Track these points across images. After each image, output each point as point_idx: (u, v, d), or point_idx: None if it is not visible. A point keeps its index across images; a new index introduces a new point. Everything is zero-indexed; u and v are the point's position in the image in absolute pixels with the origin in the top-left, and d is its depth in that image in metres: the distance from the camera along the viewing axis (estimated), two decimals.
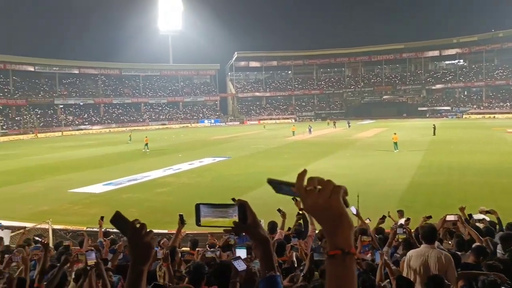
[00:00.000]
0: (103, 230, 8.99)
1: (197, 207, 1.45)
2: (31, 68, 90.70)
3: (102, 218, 8.63)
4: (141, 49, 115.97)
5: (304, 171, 1.21)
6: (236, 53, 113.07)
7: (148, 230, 1.48)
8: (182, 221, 5.92)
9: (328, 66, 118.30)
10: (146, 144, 39.86)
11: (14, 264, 6.12)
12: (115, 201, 18.39)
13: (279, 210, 7.58)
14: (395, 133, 34.02)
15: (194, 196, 19.07)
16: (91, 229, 11.95)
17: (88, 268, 3.65)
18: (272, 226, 7.68)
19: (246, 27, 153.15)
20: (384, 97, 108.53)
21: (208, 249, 6.92)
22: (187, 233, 9.93)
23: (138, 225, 1.47)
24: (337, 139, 46.33)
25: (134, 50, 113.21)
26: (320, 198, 1.12)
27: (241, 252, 4.26)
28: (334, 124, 66.90)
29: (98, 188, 21.67)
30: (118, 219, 1.48)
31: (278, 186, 1.30)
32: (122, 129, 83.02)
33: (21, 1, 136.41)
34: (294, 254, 5.38)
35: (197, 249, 7.20)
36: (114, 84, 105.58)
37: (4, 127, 76.06)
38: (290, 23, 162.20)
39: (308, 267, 4.49)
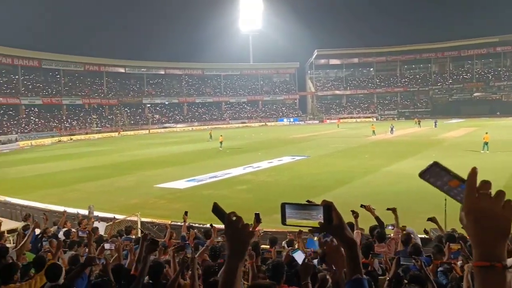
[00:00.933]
0: (186, 224, 9.45)
1: (283, 206, 1.48)
2: (122, 70, 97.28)
3: (186, 213, 9.05)
4: (222, 49, 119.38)
5: (475, 169, 1.09)
6: (316, 51, 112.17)
7: (245, 223, 1.48)
8: (258, 220, 6.06)
9: (413, 62, 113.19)
10: (221, 143, 41.09)
11: (108, 252, 6.68)
12: (197, 197, 19.16)
13: (363, 206, 7.28)
14: (486, 133, 31.79)
15: (273, 194, 19.33)
16: (175, 223, 12.56)
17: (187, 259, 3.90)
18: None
19: (326, 25, 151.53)
20: (475, 94, 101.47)
21: (287, 247, 7.04)
22: (265, 231, 10.11)
23: (234, 218, 1.48)
24: (422, 139, 44.25)
25: (216, 50, 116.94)
26: (496, 205, 1.02)
27: (299, 256, 4.07)
28: (419, 123, 63.95)
29: (181, 184, 22.72)
30: (216, 209, 1.53)
31: (437, 172, 1.15)
32: (204, 127, 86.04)
33: (113, 10, 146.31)
34: (375, 259, 5.15)
35: (274, 246, 7.32)
36: (197, 83, 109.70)
37: (98, 125, 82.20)
38: (371, 19, 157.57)
39: (394, 272, 4.35)
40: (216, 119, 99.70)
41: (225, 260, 1.51)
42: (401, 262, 4.31)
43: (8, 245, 8.39)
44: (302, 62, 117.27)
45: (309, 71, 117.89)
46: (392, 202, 7.34)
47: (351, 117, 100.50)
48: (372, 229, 7.18)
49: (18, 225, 14.00)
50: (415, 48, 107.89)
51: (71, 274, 4.04)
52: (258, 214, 6.05)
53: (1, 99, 72.04)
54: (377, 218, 7.10)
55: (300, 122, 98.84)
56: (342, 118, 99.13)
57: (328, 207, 1.43)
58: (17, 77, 79.19)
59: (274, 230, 11.20)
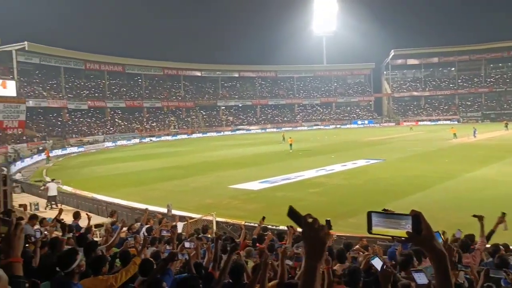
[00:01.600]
0: (261, 225, 9.58)
1: (369, 215, 1.47)
2: (198, 73, 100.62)
3: (263, 218, 9.22)
4: (295, 51, 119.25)
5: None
6: (392, 51, 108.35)
7: (321, 225, 1.49)
8: (329, 227, 5.97)
9: (500, 61, 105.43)
10: (291, 145, 41.39)
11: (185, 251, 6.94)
12: (270, 199, 19.30)
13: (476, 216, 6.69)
14: None
15: (346, 198, 18.99)
16: (249, 224, 12.75)
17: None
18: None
19: (403, 24, 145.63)
20: None
21: (361, 253, 6.87)
22: (338, 235, 9.96)
23: (311, 220, 1.49)
24: (510, 142, 41.15)
25: (289, 52, 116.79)
26: None
27: (377, 262, 3.87)
28: (506, 126, 59.50)
29: (255, 185, 23.00)
30: (292, 212, 1.54)
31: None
32: (277, 130, 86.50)
33: (189, 16, 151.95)
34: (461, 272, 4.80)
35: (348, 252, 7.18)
36: (270, 86, 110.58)
37: (176, 127, 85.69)
38: (451, 17, 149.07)
39: (482, 285, 4.07)
40: (288, 121, 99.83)
41: (303, 262, 1.53)
42: (490, 275, 4.03)
43: (95, 239, 9.03)
44: (377, 63, 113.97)
45: (385, 72, 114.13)
46: (476, 209, 6.90)
47: (430, 119, 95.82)
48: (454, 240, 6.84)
49: (104, 220, 15.03)
50: (503, 46, 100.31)
51: (157, 268, 4.25)
52: (329, 221, 5.96)
53: (89, 102, 77.53)
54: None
55: (375, 125, 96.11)
56: (420, 120, 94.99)
57: (417, 217, 1.40)
58: (103, 81, 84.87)
59: (348, 234, 10.99)
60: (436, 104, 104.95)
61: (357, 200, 18.33)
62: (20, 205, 18.53)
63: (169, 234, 6.68)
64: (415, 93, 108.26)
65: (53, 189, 20.47)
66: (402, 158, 31.89)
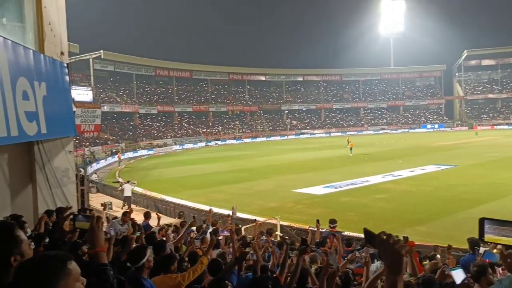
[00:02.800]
0: (321, 230, 9.62)
1: (481, 221, 1.42)
2: (262, 78, 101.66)
3: (318, 221, 9.50)
4: (361, 54, 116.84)
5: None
6: (465, 51, 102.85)
7: (397, 238, 1.51)
8: (406, 241, 5.77)
9: None
10: (351, 149, 40.91)
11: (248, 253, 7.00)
12: (334, 204, 19.01)
13: None
14: None
15: (415, 205, 18.26)
16: (313, 229, 12.63)
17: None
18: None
19: (476, 22, 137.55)
20: None
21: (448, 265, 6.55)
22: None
23: (385, 237, 1.52)
24: None
25: (355, 55, 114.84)
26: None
27: (458, 275, 3.72)
28: None
29: (319, 190, 22.75)
30: (367, 235, 1.59)
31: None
32: (342, 134, 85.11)
33: (253, 22, 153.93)
34: None
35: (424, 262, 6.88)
36: (335, 89, 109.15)
37: (240, 130, 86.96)
38: None
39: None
40: (354, 125, 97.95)
41: (385, 278, 1.54)
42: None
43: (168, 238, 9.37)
44: (449, 64, 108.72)
45: (457, 74, 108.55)
46: None
47: (507, 123, 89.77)
48: None
49: (172, 220, 15.53)
50: None
51: (228, 266, 4.34)
52: (407, 237, 5.78)
53: (159, 107, 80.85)
54: None
55: (446, 129, 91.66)
56: (496, 124, 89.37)
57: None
58: (172, 87, 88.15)
59: (417, 243, 10.54)
60: None
61: (426, 208, 17.56)
62: (102, 204, 19.67)
63: (229, 234, 6.79)
64: (490, 96, 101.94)
65: (128, 190, 21.50)
66: (476, 164, 30.15)
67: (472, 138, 59.38)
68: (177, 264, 4.90)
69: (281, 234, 11.44)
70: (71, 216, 3.49)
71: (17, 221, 5.34)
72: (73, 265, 1.54)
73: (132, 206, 21.55)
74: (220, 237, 6.62)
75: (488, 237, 1.34)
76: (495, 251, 6.08)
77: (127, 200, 21.05)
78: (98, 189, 27.57)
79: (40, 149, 7.18)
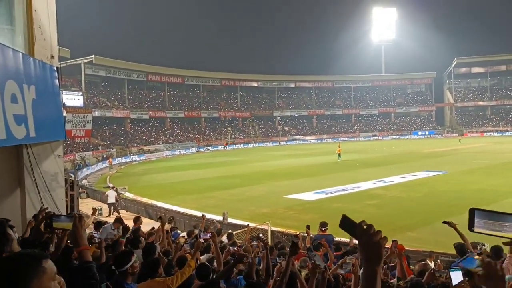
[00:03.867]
0: (311, 235, 9.60)
1: (472, 212, 1.41)
2: (254, 84, 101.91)
3: (308, 227, 9.33)
4: (353, 61, 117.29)
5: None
6: (455, 59, 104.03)
7: (376, 230, 1.50)
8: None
9: None
10: (339, 155, 41.29)
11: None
12: (326, 210, 19.02)
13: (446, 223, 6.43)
14: None
15: (405, 211, 18.36)
16: (303, 234, 12.64)
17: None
18: (496, 251, 6.51)
19: (466, 31, 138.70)
20: None
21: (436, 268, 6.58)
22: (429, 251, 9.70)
23: (365, 226, 1.51)
24: None
25: (346, 62, 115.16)
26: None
27: (457, 276, 3.75)
28: None
29: (310, 196, 22.79)
30: (345, 222, 1.56)
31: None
32: (333, 140, 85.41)
33: (245, 28, 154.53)
34: None
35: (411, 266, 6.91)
36: (327, 96, 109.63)
37: (232, 136, 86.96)
38: None
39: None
40: (345, 131, 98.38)
41: (363, 268, 1.54)
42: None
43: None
44: (439, 72, 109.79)
45: (447, 81, 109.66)
46: None
47: (497, 130, 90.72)
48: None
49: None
50: None
51: (225, 269, 4.33)
52: (396, 241, 5.82)
53: (150, 112, 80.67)
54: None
55: (437, 136, 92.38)
56: (485, 131, 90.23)
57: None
58: (163, 92, 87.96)
59: (407, 248, 10.58)
60: (504, 114, 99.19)
61: (417, 214, 17.66)
62: (93, 209, 19.51)
63: (208, 238, 6.79)
64: (480, 103, 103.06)
65: (111, 197, 21.46)
66: (466, 171, 30.39)
67: (462, 145, 59.88)
68: (164, 268, 4.87)
69: (261, 235, 11.39)
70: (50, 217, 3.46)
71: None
72: (49, 264, 1.52)
73: (123, 211, 21.46)
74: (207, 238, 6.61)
75: (478, 229, 1.32)
76: (476, 257, 6.10)
77: (111, 207, 21.10)
78: (88, 194, 27.38)
79: (29, 152, 7.12)
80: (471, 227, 1.34)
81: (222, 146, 76.56)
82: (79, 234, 2.18)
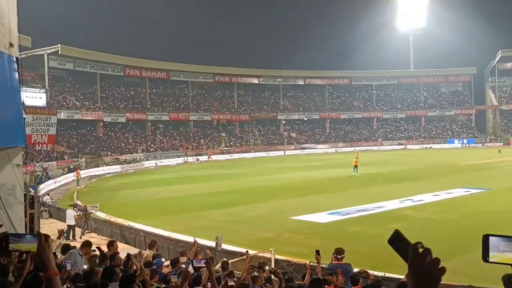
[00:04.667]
0: (321, 265, 9.50)
1: (485, 238, 1.42)
2: (255, 81, 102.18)
3: (317, 252, 8.87)
4: (374, 53, 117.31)
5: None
6: (500, 52, 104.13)
7: (434, 257, 1.45)
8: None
9: None
10: (356, 167, 41.67)
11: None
12: (341, 234, 19.00)
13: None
14: None
15: (438, 236, 18.31)
16: (314, 264, 12.59)
17: None
18: None
19: None
20: None
21: None
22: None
23: (421, 250, 1.46)
24: None
25: (367, 55, 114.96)
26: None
27: None
28: None
29: (322, 217, 22.77)
30: (397, 239, 1.52)
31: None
32: (351, 149, 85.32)
33: (245, 15, 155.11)
34: None
35: None
36: (343, 96, 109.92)
37: (227, 144, 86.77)
38: None
39: None
40: (365, 139, 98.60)
41: None
42: None
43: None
44: (480, 67, 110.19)
45: (490, 78, 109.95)
46: None
47: None
48: None
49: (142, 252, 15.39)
50: None
51: None
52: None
53: (128, 114, 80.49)
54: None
55: (477, 145, 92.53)
56: None
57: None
58: (144, 90, 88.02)
59: (442, 282, 10.56)
60: None
61: (453, 240, 17.63)
62: (59, 231, 19.48)
63: (202, 265, 6.80)
64: None
65: (70, 217, 21.46)
66: None
67: (503, 156, 59.83)
68: None
69: (275, 268, 11.38)
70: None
71: None
72: None
73: (93, 235, 21.45)
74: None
75: (494, 255, 1.33)
76: None
77: (71, 229, 21.08)
78: (51, 213, 27.35)
79: None
80: (485, 256, 1.35)
81: (207, 157, 75.77)
82: (46, 256, 2.17)
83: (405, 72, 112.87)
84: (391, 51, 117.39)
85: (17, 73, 7.59)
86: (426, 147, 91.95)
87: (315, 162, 59.86)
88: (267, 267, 10.18)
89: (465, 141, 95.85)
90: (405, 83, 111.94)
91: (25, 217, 9.68)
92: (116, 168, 60.61)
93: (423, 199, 26.89)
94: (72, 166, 54.13)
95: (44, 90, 63.86)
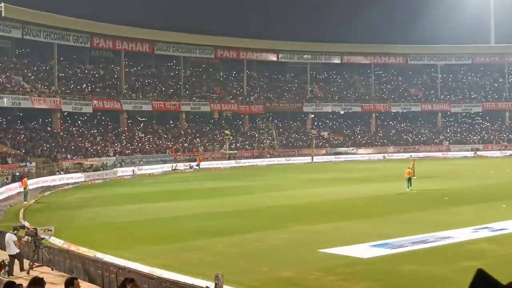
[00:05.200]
0: None
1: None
2: (273, 57, 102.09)
3: None
4: (439, 23, 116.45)
5: None
6: None
7: None
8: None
9: None
10: (409, 180, 41.84)
11: None
12: (390, 275, 18.93)
13: None
14: None
15: None
16: None
17: None
18: None
19: None
20: None
21: None
22: None
23: None
24: None
25: (428, 25, 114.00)
26: None
27: None
28: None
29: (364, 250, 22.65)
30: (482, 280, 1.56)
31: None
32: (404, 155, 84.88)
33: None
34: None
35: None
36: (394, 80, 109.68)
37: (232, 145, 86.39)
38: None
39: None
40: (426, 141, 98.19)
41: None
42: None
43: None
44: None
45: None
46: None
47: None
48: None
49: None
50: None
51: None
52: None
53: (95, 102, 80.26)
54: None
55: None
56: None
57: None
58: (118, 68, 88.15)
59: None
60: None
61: None
62: (1, 263, 19.62)
63: None
64: None
65: (11, 245, 21.38)
66: None
67: None
68: None
69: None
70: None
71: None
72: None
73: (46, 269, 21.50)
74: None
75: None
76: None
77: (13, 260, 21.02)
78: None
79: None
80: None
81: (195, 164, 75.15)
82: None
83: (483, 47, 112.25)
84: (464, 20, 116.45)
85: None
86: (511, 154, 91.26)
87: (355, 173, 59.78)
88: None
89: None
90: (482, 63, 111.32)
91: None
92: (79, 176, 60.72)
93: (507, 228, 26.67)
94: (17, 173, 54.40)
95: None
